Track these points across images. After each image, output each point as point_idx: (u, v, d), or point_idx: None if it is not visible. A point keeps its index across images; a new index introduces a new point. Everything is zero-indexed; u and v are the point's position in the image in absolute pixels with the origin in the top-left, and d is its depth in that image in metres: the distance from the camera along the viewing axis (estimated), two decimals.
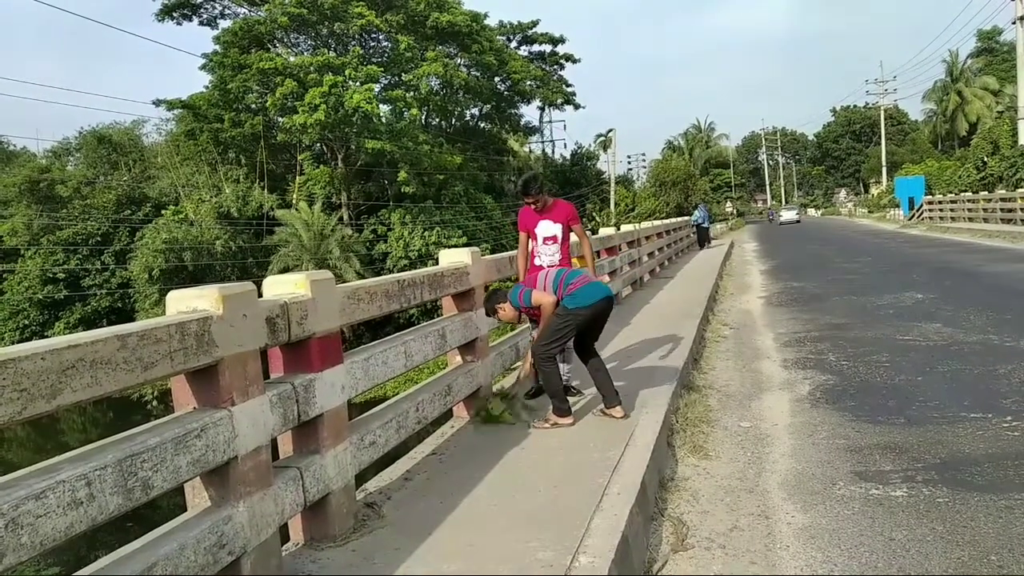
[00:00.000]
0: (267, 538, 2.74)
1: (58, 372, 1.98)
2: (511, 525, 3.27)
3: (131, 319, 30.98)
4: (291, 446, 3.23)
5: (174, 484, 2.37)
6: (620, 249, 11.60)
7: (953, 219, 31.41)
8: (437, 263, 5.20)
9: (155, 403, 26.96)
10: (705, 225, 27.57)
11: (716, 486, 4.19)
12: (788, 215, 54.50)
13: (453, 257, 5.14)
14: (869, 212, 47.96)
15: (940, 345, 7.35)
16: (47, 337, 31.16)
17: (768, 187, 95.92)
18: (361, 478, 3.72)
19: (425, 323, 4.68)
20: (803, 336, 8.55)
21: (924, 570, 3.11)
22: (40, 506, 1.89)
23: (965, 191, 34.48)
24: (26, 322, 33.32)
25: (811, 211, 79.68)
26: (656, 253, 16.14)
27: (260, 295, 2.98)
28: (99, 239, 33.96)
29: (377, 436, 3.66)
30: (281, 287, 3.17)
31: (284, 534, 3.06)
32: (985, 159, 36.74)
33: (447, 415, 4.82)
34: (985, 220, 27.54)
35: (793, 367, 7.02)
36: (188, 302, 2.62)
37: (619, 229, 12.45)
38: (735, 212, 70.59)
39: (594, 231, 11.62)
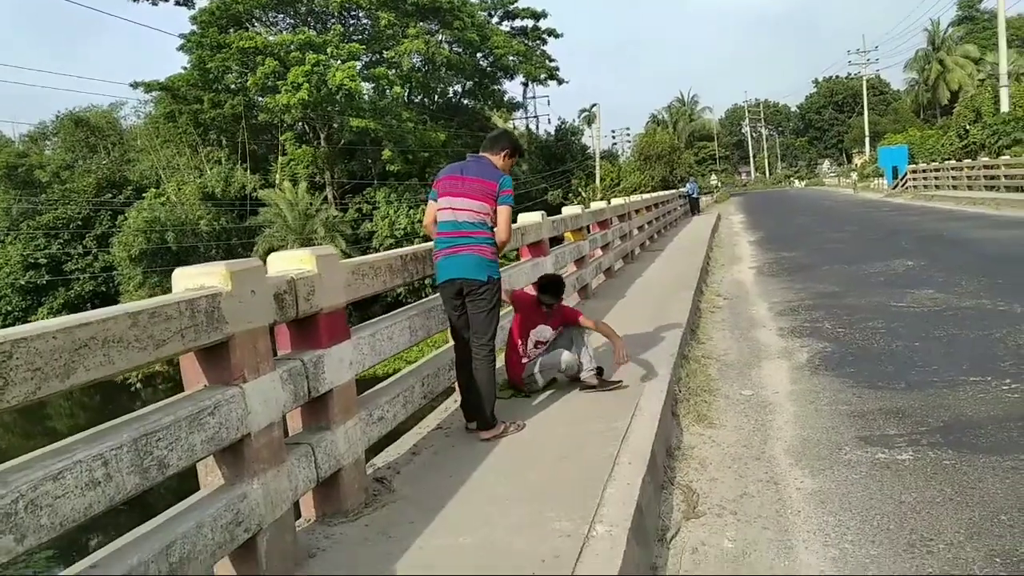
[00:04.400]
0: (282, 515, 2.71)
1: (71, 351, 1.93)
2: (524, 497, 3.26)
3: (115, 302, 30.58)
4: (300, 422, 3.19)
5: (189, 463, 2.33)
6: (611, 223, 11.57)
7: (937, 187, 31.58)
8: (424, 241, 5.08)
9: (139, 386, 26.82)
10: (695, 196, 32.37)
11: (723, 454, 4.20)
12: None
13: None
14: (857, 182, 47.88)
15: (934, 311, 7.39)
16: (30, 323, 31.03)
17: (752, 159, 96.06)
18: (368, 454, 3.70)
19: (427, 298, 4.63)
20: (797, 305, 8.57)
21: (935, 531, 3.13)
22: (59, 487, 1.85)
23: (948, 159, 34.68)
24: (8, 308, 33.02)
25: (796, 182, 79.82)
26: (646, 226, 16.13)
27: (265, 271, 2.93)
28: (80, 223, 33.58)
29: (385, 411, 3.63)
30: (286, 263, 3.11)
31: (296, 511, 3.03)
32: (967, 127, 36.93)
33: (450, 390, 4.79)
34: (969, 188, 27.71)
35: (789, 335, 7.04)
36: (195, 279, 2.56)
37: (610, 203, 12.41)
38: (720, 184, 70.69)
39: (586, 205, 11.56)
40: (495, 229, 4.24)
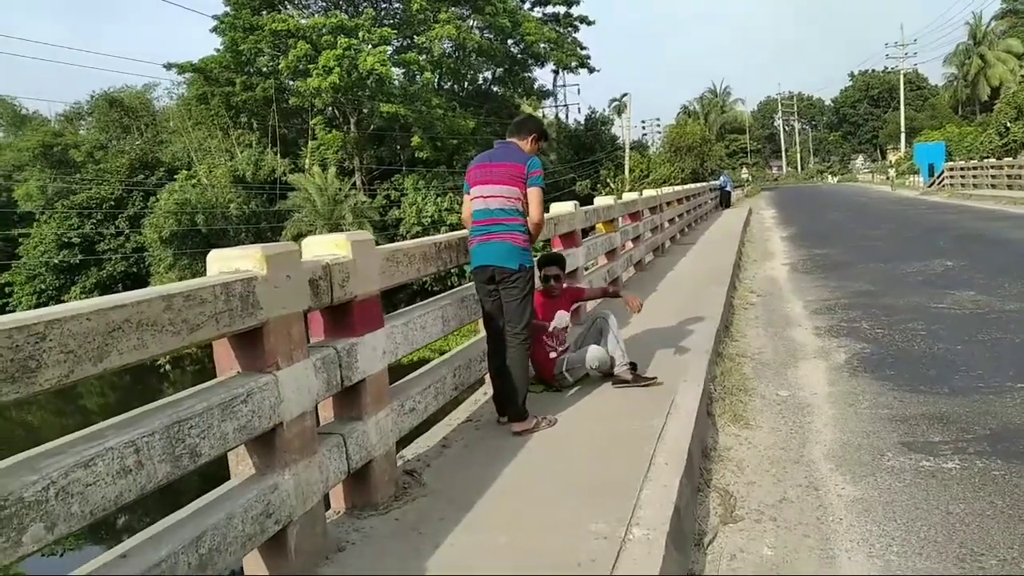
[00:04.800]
0: (312, 507, 2.66)
1: (104, 334, 1.87)
2: (557, 495, 3.18)
3: (145, 283, 31.10)
4: (332, 412, 3.13)
5: (220, 451, 2.28)
6: (643, 215, 11.41)
7: (975, 186, 30.87)
8: (450, 230, 5.00)
9: (168, 367, 27.11)
10: (728, 189, 32.51)
11: (760, 456, 4.08)
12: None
13: None
14: (895, 179, 46.76)
15: (977, 313, 7.17)
16: (64, 302, 31.52)
17: (784, 153, 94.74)
18: (398, 445, 3.63)
19: (461, 287, 4.55)
20: (833, 304, 8.38)
21: (986, 546, 3.00)
22: (89, 474, 1.80)
23: (987, 157, 33.89)
24: (42, 286, 33.52)
25: (829, 178, 78.57)
26: (676, 219, 15.92)
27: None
28: (113, 204, 33.97)
29: (417, 402, 3.56)
30: (321, 248, 3.05)
31: (325, 502, 2.98)
32: (1008, 124, 36.09)
33: (480, 381, 4.71)
34: (1009, 187, 27.04)
35: (826, 335, 6.88)
36: (230, 262, 2.50)
37: (641, 195, 12.24)
38: (751, 178, 69.78)
39: (619, 196, 11.41)
40: (528, 214, 4.18)
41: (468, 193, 4.27)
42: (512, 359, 4.10)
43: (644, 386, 4.67)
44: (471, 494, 3.22)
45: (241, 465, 2.57)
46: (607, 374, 4.86)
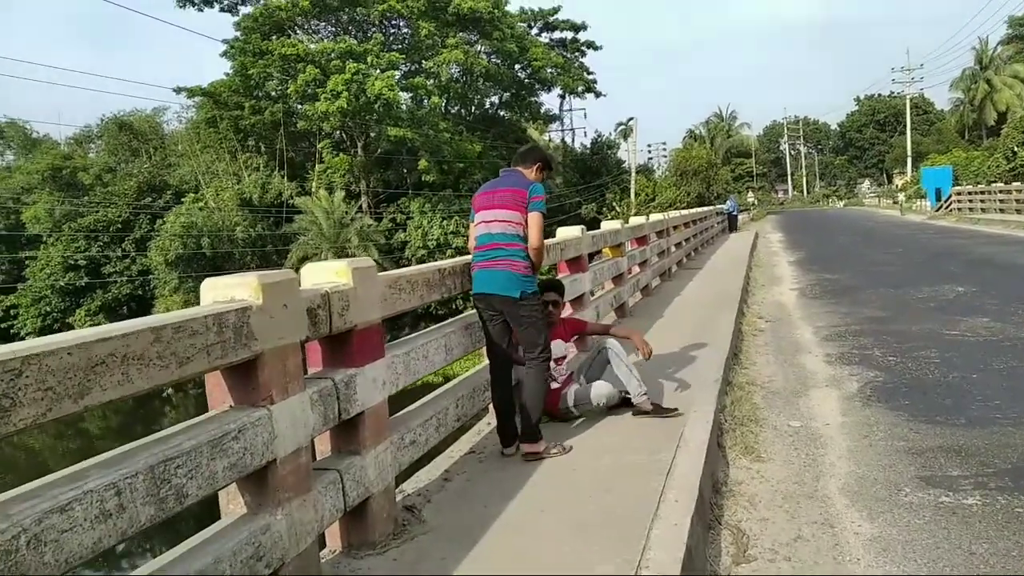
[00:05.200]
0: (306, 547, 2.54)
1: (86, 369, 1.78)
2: (563, 533, 3.05)
3: (150, 307, 31.10)
4: (328, 446, 3.02)
5: (209, 491, 2.17)
6: (650, 239, 11.32)
7: (983, 210, 30.72)
8: (456, 254, 4.94)
9: (171, 391, 26.93)
10: (735, 213, 32.48)
11: (773, 491, 3.94)
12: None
13: None
14: (904, 203, 46.55)
15: (991, 340, 7.03)
16: (69, 324, 31.34)
17: (790, 177, 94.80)
18: (398, 478, 3.52)
19: (465, 314, 4.45)
20: (843, 330, 8.25)
21: None
22: (66, 519, 1.69)
23: (995, 181, 33.76)
24: (48, 309, 33.56)
25: (837, 203, 78.49)
26: (683, 244, 15.83)
27: (298, 284, 2.77)
28: (120, 226, 34.09)
29: (417, 435, 3.44)
30: (320, 275, 2.95)
31: (320, 540, 2.86)
32: (1016, 149, 35.97)
33: (484, 411, 4.60)
34: (1018, 211, 26.88)
35: (837, 363, 6.74)
36: (225, 291, 2.41)
37: (648, 219, 12.16)
38: (756, 202, 69.72)
39: (625, 220, 11.34)
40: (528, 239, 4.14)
41: (472, 220, 4.28)
42: (528, 380, 4.11)
43: (665, 417, 4.53)
44: (473, 532, 3.10)
45: (232, 504, 2.46)
46: (613, 407, 4.73)
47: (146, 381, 1.96)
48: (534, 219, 4.11)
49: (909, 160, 63.25)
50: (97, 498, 1.77)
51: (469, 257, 4.32)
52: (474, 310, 4.27)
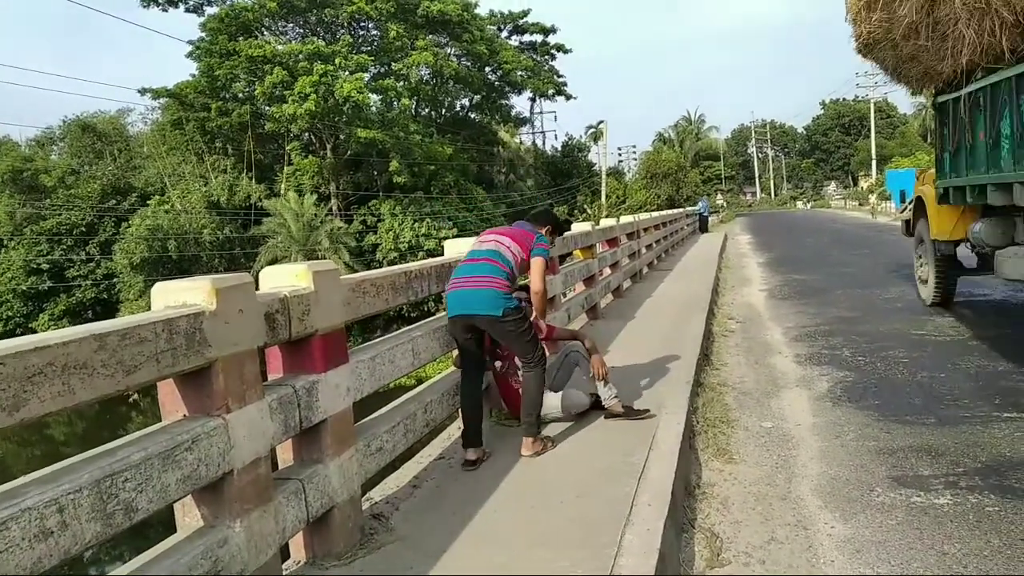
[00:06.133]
0: (267, 560, 2.44)
1: (22, 380, 1.67)
2: (534, 541, 2.98)
3: (116, 310, 30.47)
4: (291, 455, 2.92)
5: (162, 505, 2.06)
6: (620, 241, 11.30)
7: None
8: (428, 256, 4.87)
9: (137, 396, 26.40)
10: (705, 215, 34.25)
11: (746, 493, 3.91)
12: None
13: (459, 247, 4.82)
14: (876, 205, 47.29)
15: (958, 340, 7.10)
16: (32, 329, 30.57)
17: (758, 179, 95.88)
18: (365, 486, 3.42)
19: (434, 317, 4.36)
20: (812, 330, 8.29)
21: None
22: (1, 540, 1.58)
23: None
24: (9, 313, 32.75)
25: (799, 204, 79.53)
26: (654, 245, 15.86)
27: (256, 287, 2.67)
28: (83, 229, 33.36)
29: (385, 441, 3.35)
30: (280, 279, 2.85)
31: (283, 551, 2.76)
32: None
33: (454, 415, 4.51)
34: None
35: (807, 363, 6.76)
36: (176, 295, 2.30)
37: (619, 221, 12.16)
38: (724, 204, 70.41)
39: (596, 222, 11.32)
40: (529, 278, 4.27)
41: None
42: (528, 384, 4.13)
43: (637, 419, 4.48)
44: (442, 540, 3.01)
45: (188, 517, 2.35)
46: (580, 414, 4.68)
47: (90, 392, 1.85)
48: (537, 263, 4.21)
49: (874, 163, 64.27)
50: (36, 515, 1.66)
51: (438, 260, 4.26)
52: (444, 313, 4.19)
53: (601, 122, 54.72)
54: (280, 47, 33.58)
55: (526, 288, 4.42)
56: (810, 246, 22.13)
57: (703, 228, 33.12)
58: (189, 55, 34.66)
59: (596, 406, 4.66)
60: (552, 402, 4.57)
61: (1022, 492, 3.67)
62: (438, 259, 4.43)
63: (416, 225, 32.93)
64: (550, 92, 46.74)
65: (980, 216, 7.11)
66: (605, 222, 11.30)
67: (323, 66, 30.50)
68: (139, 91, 35.08)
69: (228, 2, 35.41)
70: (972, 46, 5.70)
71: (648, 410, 4.56)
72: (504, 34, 45.80)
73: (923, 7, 5.97)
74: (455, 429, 4.58)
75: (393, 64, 36.25)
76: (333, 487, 2.86)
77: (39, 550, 1.67)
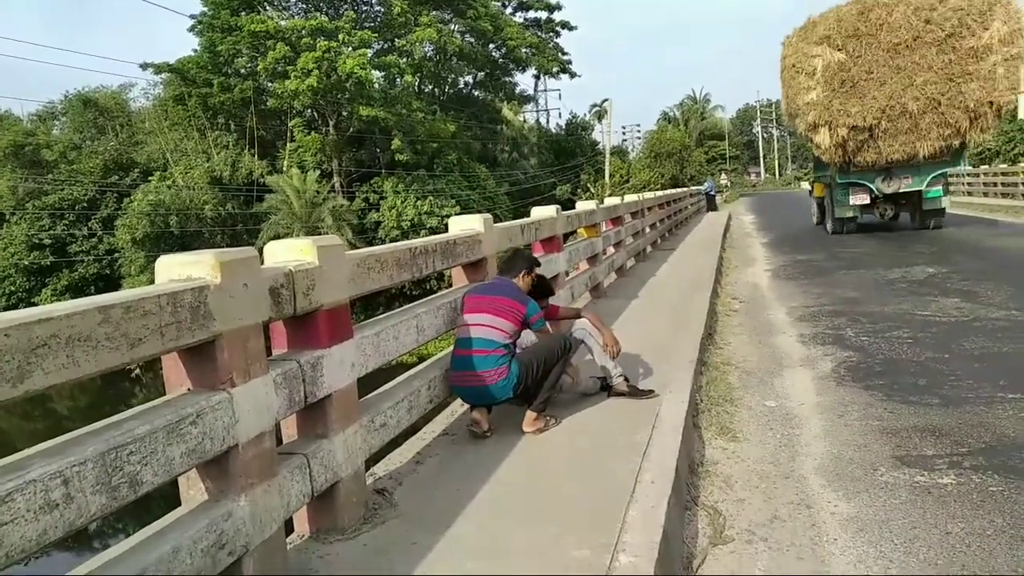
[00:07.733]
0: (271, 534, 2.44)
1: (26, 351, 1.66)
2: (537, 517, 2.98)
3: (118, 286, 30.50)
4: (295, 430, 2.92)
5: (166, 478, 2.06)
6: (624, 220, 11.26)
7: (951, 192, 31.09)
8: (430, 233, 4.84)
9: (139, 372, 26.50)
10: (712, 193, 35.99)
11: (749, 471, 3.91)
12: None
13: (464, 224, 4.79)
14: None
15: (962, 321, 7.08)
16: (35, 304, 30.68)
17: (762, 159, 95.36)
18: (369, 461, 3.42)
19: (437, 294, 4.35)
20: (816, 311, 8.27)
21: (990, 568, 2.85)
22: (6, 511, 1.57)
23: None
24: (12, 288, 32.79)
25: (803, 184, 79.11)
26: (658, 224, 15.81)
27: (261, 262, 2.65)
28: (86, 205, 33.29)
29: (388, 417, 3.35)
30: (285, 253, 2.83)
31: (288, 525, 2.76)
32: None
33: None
34: (984, 194, 27.30)
35: (811, 343, 6.75)
36: (181, 269, 2.28)
37: (623, 199, 12.10)
38: (729, 184, 70.09)
39: (600, 201, 11.26)
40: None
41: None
42: (552, 374, 4.15)
43: (641, 398, 4.47)
44: (445, 515, 3.02)
45: (192, 490, 2.35)
46: (585, 394, 4.68)
47: (94, 364, 1.83)
48: (539, 328, 4.31)
49: None
50: (42, 487, 1.66)
51: (442, 236, 4.24)
52: (448, 289, 4.19)
53: (605, 100, 54.46)
54: (283, 22, 33.27)
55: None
56: (814, 226, 22.01)
57: (711, 207, 34.61)
58: (191, 29, 34.42)
59: (602, 385, 4.67)
60: (564, 382, 4.58)
61: None
62: (443, 236, 4.40)
63: (419, 203, 32.79)
64: (554, 70, 46.45)
65: (825, 188, 18.10)
66: (609, 200, 11.24)
67: (326, 42, 30.24)
68: (141, 66, 35.00)
69: None
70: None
71: (652, 390, 4.56)
72: (508, 10, 45.39)
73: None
74: (458, 406, 4.59)
75: (396, 40, 35.98)
76: (337, 462, 2.86)
77: (44, 522, 1.66)
